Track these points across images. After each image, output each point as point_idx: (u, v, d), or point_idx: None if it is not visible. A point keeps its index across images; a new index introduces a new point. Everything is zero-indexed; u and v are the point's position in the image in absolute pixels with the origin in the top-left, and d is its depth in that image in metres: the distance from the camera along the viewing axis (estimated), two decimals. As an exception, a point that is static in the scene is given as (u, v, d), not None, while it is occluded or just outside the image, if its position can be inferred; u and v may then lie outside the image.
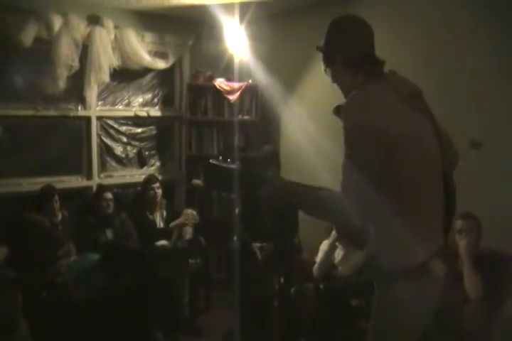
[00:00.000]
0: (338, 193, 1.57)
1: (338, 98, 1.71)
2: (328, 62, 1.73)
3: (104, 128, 4.62)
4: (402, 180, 1.58)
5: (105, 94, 4.60)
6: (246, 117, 4.89)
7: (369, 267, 1.74)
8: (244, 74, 4.82)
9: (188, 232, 4.18)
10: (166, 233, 4.13)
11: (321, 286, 3.33)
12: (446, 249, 1.72)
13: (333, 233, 3.46)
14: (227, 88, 4.78)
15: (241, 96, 4.81)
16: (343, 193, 1.56)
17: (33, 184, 4.02)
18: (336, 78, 1.74)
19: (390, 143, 1.53)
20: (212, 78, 4.84)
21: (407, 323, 1.63)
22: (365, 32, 1.69)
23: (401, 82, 1.69)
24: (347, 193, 1.55)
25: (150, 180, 4.24)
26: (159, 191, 4.20)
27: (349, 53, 1.67)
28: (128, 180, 4.77)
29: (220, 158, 1.84)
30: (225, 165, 1.79)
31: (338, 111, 1.67)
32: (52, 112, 4.20)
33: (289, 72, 4.59)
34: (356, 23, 1.70)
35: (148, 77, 4.87)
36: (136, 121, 4.83)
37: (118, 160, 4.74)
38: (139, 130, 4.88)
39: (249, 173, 1.83)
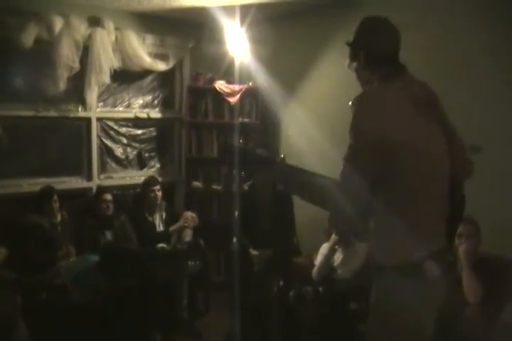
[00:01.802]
0: (336, 182, 1.63)
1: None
2: (353, 57, 1.81)
3: (105, 129, 4.63)
4: (400, 182, 1.61)
5: (105, 95, 4.61)
6: (246, 120, 4.88)
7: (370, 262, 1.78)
8: (244, 76, 4.83)
9: (188, 235, 4.17)
10: (165, 236, 4.13)
11: (320, 289, 3.33)
12: (447, 254, 1.75)
13: (333, 236, 3.46)
14: (228, 90, 4.78)
15: (241, 99, 4.81)
16: (342, 184, 1.60)
17: (33, 185, 4.02)
18: (357, 74, 1.82)
19: (392, 151, 1.56)
20: (212, 80, 4.85)
21: (399, 321, 1.63)
22: (390, 33, 1.76)
23: (416, 85, 1.73)
24: (346, 184, 1.60)
25: (150, 182, 4.23)
26: (159, 193, 4.20)
27: (371, 50, 1.74)
28: (128, 181, 4.78)
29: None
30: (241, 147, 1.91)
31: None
32: (52, 113, 4.21)
33: (289, 75, 4.60)
34: (383, 24, 1.78)
35: (149, 78, 4.88)
36: (137, 122, 4.84)
37: (118, 161, 4.75)
38: (139, 132, 4.88)
39: (254, 154, 1.89)
